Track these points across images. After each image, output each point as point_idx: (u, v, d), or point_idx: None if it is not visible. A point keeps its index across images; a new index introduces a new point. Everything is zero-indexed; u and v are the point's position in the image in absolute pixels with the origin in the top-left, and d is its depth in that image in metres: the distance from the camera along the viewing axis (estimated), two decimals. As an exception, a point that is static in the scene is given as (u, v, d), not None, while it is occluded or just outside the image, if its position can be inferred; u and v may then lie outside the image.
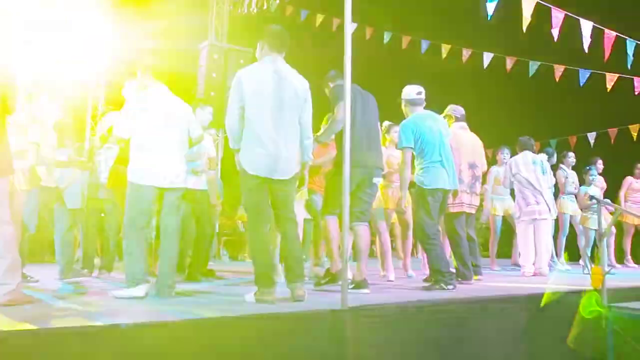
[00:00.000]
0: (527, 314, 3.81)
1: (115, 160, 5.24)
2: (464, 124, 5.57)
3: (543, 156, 6.90)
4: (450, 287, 4.33)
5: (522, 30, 5.55)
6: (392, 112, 5.32)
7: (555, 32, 5.82)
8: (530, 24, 5.56)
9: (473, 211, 5.43)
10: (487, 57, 8.47)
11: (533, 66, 8.31)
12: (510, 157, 7.03)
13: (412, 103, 4.83)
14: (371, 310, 3.13)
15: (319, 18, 9.96)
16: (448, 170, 4.65)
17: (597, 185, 8.03)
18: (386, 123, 5.90)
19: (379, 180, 4.36)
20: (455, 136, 5.28)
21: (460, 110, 5.61)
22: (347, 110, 3.23)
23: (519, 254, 6.74)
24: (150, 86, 3.92)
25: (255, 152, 3.41)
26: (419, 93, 4.83)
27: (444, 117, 5.46)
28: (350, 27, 3.23)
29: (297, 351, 2.78)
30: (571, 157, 7.81)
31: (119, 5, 9.94)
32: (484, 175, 6.31)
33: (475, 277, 5.20)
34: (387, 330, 3.10)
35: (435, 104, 5.11)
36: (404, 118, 4.91)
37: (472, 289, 4.46)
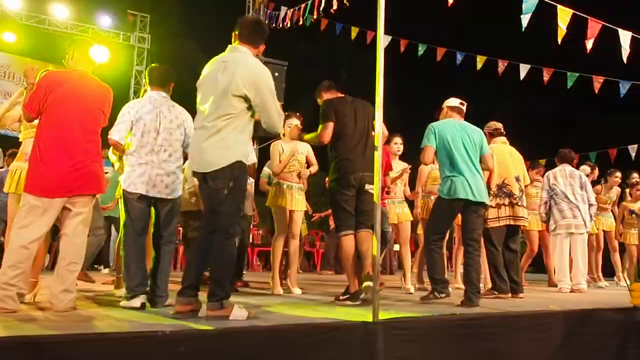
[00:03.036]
0: (562, 330, 3.72)
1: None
2: (504, 138, 5.56)
3: (583, 170, 6.75)
4: (443, 295, 4.26)
5: (558, 42, 5.47)
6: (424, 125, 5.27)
7: (589, 43, 5.69)
8: (567, 34, 5.47)
9: (524, 223, 5.41)
10: (524, 69, 8.35)
11: (571, 77, 8.15)
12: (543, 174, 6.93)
13: (452, 109, 4.74)
14: (403, 323, 3.12)
15: (354, 31, 10.00)
16: (470, 182, 4.35)
17: None
18: None
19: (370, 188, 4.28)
20: (498, 150, 5.29)
21: (496, 124, 5.58)
22: (379, 122, 3.24)
23: (554, 270, 6.59)
24: (147, 93, 3.79)
25: None
26: (462, 103, 4.78)
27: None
28: (383, 40, 3.25)
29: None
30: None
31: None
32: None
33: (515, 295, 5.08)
34: (419, 343, 3.08)
35: (471, 116, 5.05)
36: None
37: (506, 303, 4.39)
